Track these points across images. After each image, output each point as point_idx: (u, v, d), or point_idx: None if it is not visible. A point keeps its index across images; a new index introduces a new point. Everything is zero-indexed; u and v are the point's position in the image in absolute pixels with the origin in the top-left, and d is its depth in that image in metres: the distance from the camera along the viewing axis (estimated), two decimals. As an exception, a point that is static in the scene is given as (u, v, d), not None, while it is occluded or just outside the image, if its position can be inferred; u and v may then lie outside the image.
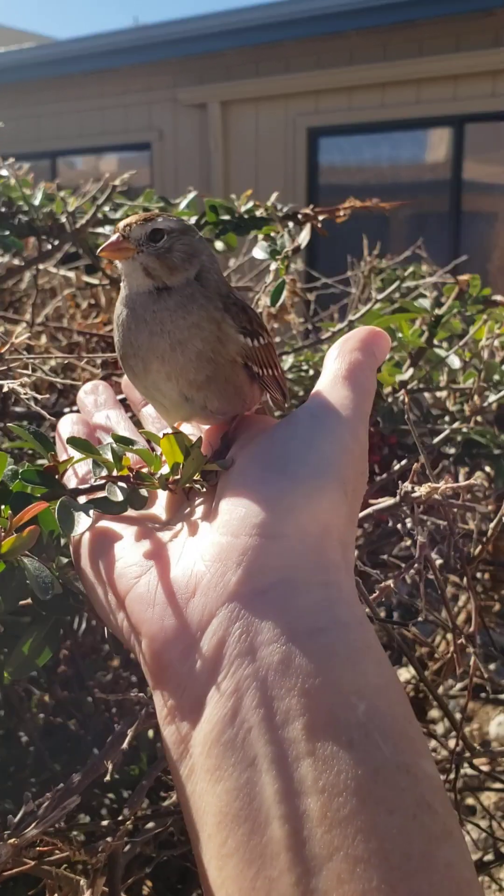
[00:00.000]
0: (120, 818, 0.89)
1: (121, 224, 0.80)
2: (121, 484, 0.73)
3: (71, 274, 1.90)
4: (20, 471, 0.72)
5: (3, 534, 0.63)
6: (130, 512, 0.75)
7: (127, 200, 1.44)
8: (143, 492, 0.73)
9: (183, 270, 0.80)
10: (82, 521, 0.69)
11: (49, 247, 1.39)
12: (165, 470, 0.74)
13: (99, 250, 0.81)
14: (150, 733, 1.59)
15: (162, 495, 0.80)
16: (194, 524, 0.71)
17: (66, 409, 1.45)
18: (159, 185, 10.69)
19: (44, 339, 1.73)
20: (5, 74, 11.91)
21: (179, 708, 0.61)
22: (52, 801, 0.85)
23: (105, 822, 0.87)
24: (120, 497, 0.71)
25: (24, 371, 0.88)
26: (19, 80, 11.83)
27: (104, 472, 0.73)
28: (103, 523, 0.74)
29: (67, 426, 0.88)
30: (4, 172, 1.42)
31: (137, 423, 0.97)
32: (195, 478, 0.74)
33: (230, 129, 10.44)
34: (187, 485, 0.74)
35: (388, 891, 0.48)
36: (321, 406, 0.74)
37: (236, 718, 0.57)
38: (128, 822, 0.86)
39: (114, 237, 0.80)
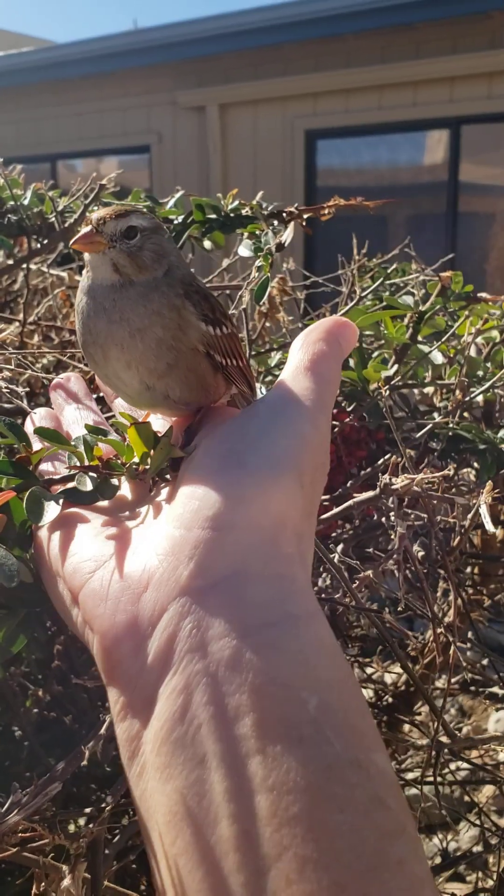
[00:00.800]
0: (102, 805, 0.90)
1: (94, 217, 0.79)
2: (91, 474, 0.73)
3: (64, 274, 1.92)
4: (-8, 461, 0.73)
5: None
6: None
7: (116, 200, 1.46)
8: (114, 481, 0.74)
9: (152, 270, 0.79)
10: (50, 510, 0.69)
11: (38, 246, 1.41)
12: (134, 459, 0.75)
13: (71, 242, 0.80)
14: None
15: (125, 484, 0.80)
16: (157, 508, 0.71)
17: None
18: (158, 187, 10.73)
19: (36, 338, 1.75)
20: (5, 78, 11.96)
21: (131, 705, 0.60)
22: (35, 789, 0.86)
23: (88, 810, 0.89)
24: (90, 486, 0.72)
25: (8, 366, 0.90)
26: (19, 84, 11.88)
27: (75, 462, 0.74)
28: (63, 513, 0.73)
29: (37, 421, 0.88)
30: (-7, 172, 1.44)
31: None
32: (163, 466, 0.74)
33: (229, 132, 10.49)
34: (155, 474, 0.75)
35: (337, 891, 0.47)
36: (281, 396, 0.73)
37: (186, 715, 0.56)
38: (108, 809, 0.88)
39: (86, 229, 0.79)
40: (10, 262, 1.59)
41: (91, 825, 0.85)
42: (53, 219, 1.40)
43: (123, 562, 0.66)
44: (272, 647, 0.57)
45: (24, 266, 1.42)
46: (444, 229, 9.31)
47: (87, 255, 0.80)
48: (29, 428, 0.87)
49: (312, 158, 10.14)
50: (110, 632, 0.62)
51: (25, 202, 1.42)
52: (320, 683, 0.56)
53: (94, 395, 0.95)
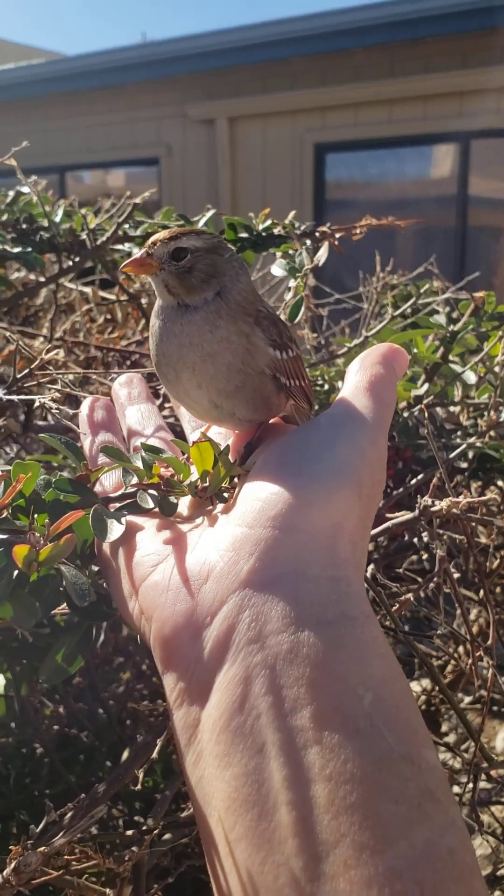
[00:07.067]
0: (144, 828, 0.90)
1: (150, 240, 0.82)
2: (151, 491, 0.74)
3: (87, 289, 1.92)
4: (53, 480, 0.74)
5: (41, 542, 0.64)
6: None
7: (146, 217, 1.46)
8: (173, 499, 0.75)
9: (200, 290, 0.81)
10: (115, 528, 0.71)
11: (70, 263, 1.41)
12: (194, 477, 0.76)
13: (122, 266, 0.83)
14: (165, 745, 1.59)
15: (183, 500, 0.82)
16: (214, 518, 0.74)
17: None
18: (167, 199, 10.76)
19: (61, 353, 1.75)
20: (16, 90, 12.01)
21: (188, 692, 0.63)
22: (78, 811, 0.85)
23: (130, 832, 0.88)
24: (151, 504, 0.73)
25: (53, 386, 0.90)
26: (30, 96, 11.93)
27: (135, 480, 0.75)
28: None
29: (95, 408, 0.92)
30: (26, 189, 1.44)
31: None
32: (223, 484, 0.76)
33: (238, 145, 10.52)
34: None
35: (392, 876, 0.49)
36: (342, 412, 0.76)
37: (245, 705, 0.58)
38: (154, 832, 0.87)
39: (139, 253, 0.83)
40: (42, 278, 1.59)
41: (135, 847, 0.84)
42: (85, 236, 1.40)
43: (184, 555, 0.69)
44: (329, 644, 0.59)
45: (55, 283, 1.42)
46: (453, 243, 9.32)
47: (150, 279, 0.83)
48: (84, 412, 0.92)
49: (321, 172, 10.17)
50: (170, 620, 0.66)
51: (57, 219, 1.42)
52: (374, 680, 0.58)
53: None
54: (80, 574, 0.67)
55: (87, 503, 0.74)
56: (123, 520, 0.72)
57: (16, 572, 0.65)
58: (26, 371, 0.92)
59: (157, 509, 0.75)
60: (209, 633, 0.63)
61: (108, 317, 2.00)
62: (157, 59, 10.75)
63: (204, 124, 10.70)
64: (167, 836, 1.17)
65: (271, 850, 0.53)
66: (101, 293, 1.94)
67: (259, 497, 0.69)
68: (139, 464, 0.76)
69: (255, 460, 0.78)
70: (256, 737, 0.56)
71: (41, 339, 1.77)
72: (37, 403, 0.86)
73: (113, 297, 1.89)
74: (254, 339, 0.81)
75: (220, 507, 0.76)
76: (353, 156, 10.18)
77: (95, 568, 0.77)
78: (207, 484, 0.75)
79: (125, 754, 1.44)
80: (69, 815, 0.89)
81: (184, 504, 0.80)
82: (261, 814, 0.54)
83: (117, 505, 0.76)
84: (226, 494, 0.77)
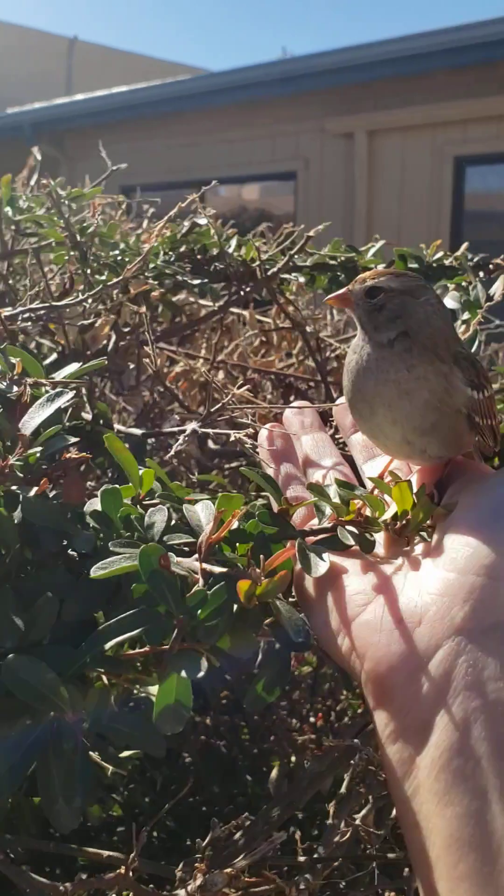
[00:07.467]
0: (315, 856, 0.91)
1: (358, 277, 0.87)
2: (350, 528, 0.76)
3: (245, 312, 1.96)
4: (257, 512, 0.76)
5: (262, 578, 0.67)
6: None
7: (316, 251, 1.49)
8: (370, 536, 0.77)
9: (385, 329, 0.83)
10: (321, 564, 0.72)
11: (241, 293, 1.45)
12: (389, 514, 0.77)
13: (326, 298, 0.89)
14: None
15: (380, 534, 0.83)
16: (415, 560, 0.74)
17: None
18: (303, 213, 10.84)
19: (221, 375, 1.80)
20: (163, 105, 12.37)
21: (403, 729, 0.64)
22: (250, 833, 0.88)
23: (302, 858, 0.90)
24: (350, 541, 0.75)
25: (245, 420, 0.93)
26: (175, 111, 12.27)
27: (328, 513, 0.77)
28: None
29: (268, 438, 0.95)
30: (202, 221, 1.49)
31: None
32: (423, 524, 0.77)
33: (376, 158, 10.48)
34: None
35: None
36: None
37: (464, 748, 0.60)
38: (335, 862, 0.89)
39: (343, 290, 0.88)
40: (205, 302, 1.65)
41: (308, 875, 0.86)
42: (256, 267, 1.44)
43: (396, 597, 0.70)
44: None
45: (226, 311, 1.47)
46: None
47: None
48: (264, 442, 0.95)
49: (461, 184, 10.00)
50: (384, 659, 0.67)
51: (230, 250, 1.47)
52: None
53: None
54: (293, 610, 0.69)
55: (287, 536, 0.76)
56: (326, 556, 0.74)
57: (235, 606, 0.67)
58: (219, 405, 0.96)
59: (356, 546, 0.77)
60: (426, 675, 0.64)
61: (263, 339, 2.04)
62: (297, 74, 10.86)
63: (342, 138, 10.73)
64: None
65: (497, 893, 0.54)
66: (258, 317, 1.97)
67: (469, 544, 0.70)
68: (337, 499, 0.78)
69: (453, 500, 0.78)
70: (478, 779, 0.58)
71: (201, 360, 1.82)
72: (231, 438, 0.90)
73: (268, 319, 1.93)
74: (451, 379, 0.82)
75: (418, 548, 0.77)
76: (493, 169, 9.98)
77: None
78: (405, 523, 0.76)
79: (274, 773, 1.46)
80: (238, 834, 0.92)
81: (378, 543, 0.81)
82: (484, 857, 0.56)
83: (314, 539, 0.77)
84: (424, 534, 0.78)
